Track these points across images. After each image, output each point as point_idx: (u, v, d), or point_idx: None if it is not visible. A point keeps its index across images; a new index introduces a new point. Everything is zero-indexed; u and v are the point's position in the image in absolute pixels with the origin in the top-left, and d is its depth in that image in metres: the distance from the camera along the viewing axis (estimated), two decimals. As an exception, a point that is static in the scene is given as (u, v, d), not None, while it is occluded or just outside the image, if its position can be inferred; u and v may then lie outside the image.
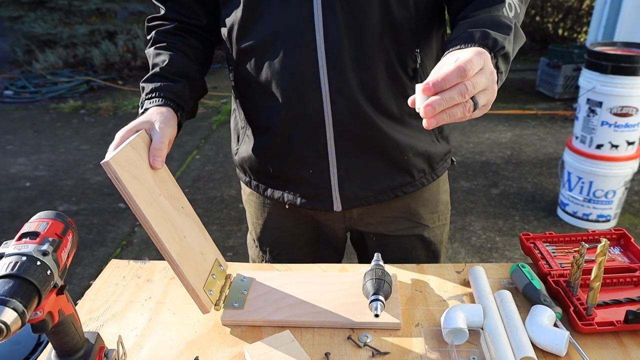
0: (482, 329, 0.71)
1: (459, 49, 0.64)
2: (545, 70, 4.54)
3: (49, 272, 0.52)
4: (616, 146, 2.30)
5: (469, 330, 0.69)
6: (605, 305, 0.75)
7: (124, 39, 6.03)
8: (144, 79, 0.85)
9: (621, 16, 3.97)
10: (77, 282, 2.21)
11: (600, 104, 2.27)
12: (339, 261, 1.06)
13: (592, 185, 2.40)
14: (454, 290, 0.82)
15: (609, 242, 0.71)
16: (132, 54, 6.00)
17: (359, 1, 0.75)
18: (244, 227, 2.59)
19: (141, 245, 2.48)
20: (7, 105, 4.77)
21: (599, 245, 0.68)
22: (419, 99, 0.59)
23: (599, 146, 2.32)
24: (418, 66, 0.83)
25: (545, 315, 0.70)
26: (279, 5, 0.77)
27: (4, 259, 0.51)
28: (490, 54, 0.63)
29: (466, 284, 0.83)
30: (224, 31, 0.87)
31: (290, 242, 1.02)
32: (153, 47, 0.90)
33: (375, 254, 0.83)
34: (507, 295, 0.76)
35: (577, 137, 2.42)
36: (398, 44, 0.80)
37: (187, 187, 3.00)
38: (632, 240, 0.88)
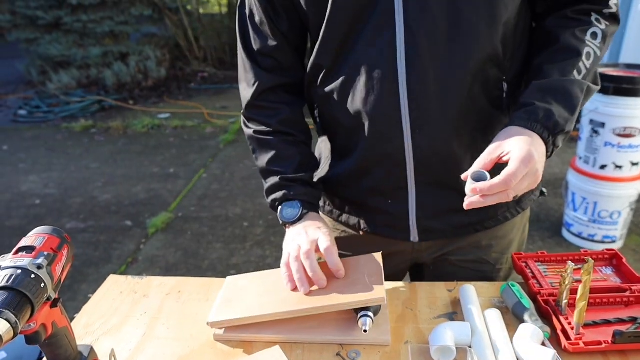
0: (469, 347, 0.71)
1: (519, 128, 0.71)
2: (552, 91, 4.55)
3: (42, 285, 0.54)
4: (620, 167, 2.29)
5: (456, 348, 0.70)
6: (594, 325, 0.75)
7: (136, 60, 6.16)
8: (286, 177, 0.86)
9: (626, 37, 3.99)
10: (82, 298, 2.23)
11: (603, 124, 2.27)
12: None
13: (596, 205, 2.39)
14: (445, 308, 0.82)
15: (593, 262, 0.72)
16: (144, 74, 6.13)
17: (445, 47, 0.75)
18: (248, 245, 2.61)
19: (146, 263, 2.50)
20: (21, 125, 4.87)
21: (584, 266, 0.69)
22: (467, 187, 0.69)
23: (602, 167, 2.32)
24: (504, 95, 0.82)
25: (532, 333, 0.71)
26: (364, 48, 0.77)
27: (0, 271, 0.53)
28: (548, 137, 0.71)
29: (457, 302, 0.84)
30: (308, 75, 0.87)
31: None
32: (276, 138, 0.89)
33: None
34: (496, 313, 0.77)
35: (580, 158, 2.43)
36: (484, 78, 0.78)
37: (193, 206, 3.02)
38: (624, 260, 0.88)
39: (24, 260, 0.54)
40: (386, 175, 0.86)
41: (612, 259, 0.91)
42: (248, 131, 0.91)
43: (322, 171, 0.96)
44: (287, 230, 0.87)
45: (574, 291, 0.76)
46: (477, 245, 0.94)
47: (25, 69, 6.49)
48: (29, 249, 0.56)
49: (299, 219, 0.85)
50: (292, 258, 0.80)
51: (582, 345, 0.69)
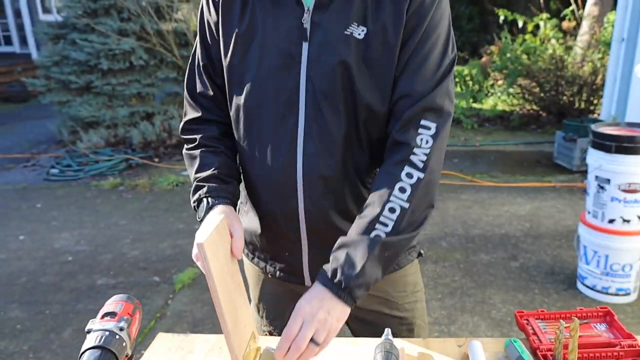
0: (476, 397, 0.82)
1: (314, 287, 0.87)
2: (562, 144, 4.68)
3: (124, 344, 0.68)
4: (628, 221, 2.38)
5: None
6: (588, 377, 0.85)
7: (161, 119, 6.48)
8: (200, 177, 1.01)
9: (630, 96, 4.15)
10: (114, 353, 2.34)
11: (608, 180, 2.38)
12: None
13: (608, 258, 2.46)
14: (455, 363, 0.93)
15: (579, 321, 0.83)
16: (168, 133, 6.43)
17: (331, 141, 0.94)
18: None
19: (174, 318, 2.61)
20: (53, 183, 5.13)
21: (571, 325, 0.81)
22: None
23: (611, 221, 2.41)
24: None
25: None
26: (269, 127, 0.96)
27: (92, 333, 0.67)
28: (338, 290, 0.85)
29: (466, 357, 0.94)
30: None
31: (281, 308, 1.14)
32: (200, 150, 1.05)
33: (386, 329, 0.96)
34: (500, 367, 0.88)
35: (589, 212, 2.52)
36: (359, 168, 0.99)
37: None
38: (616, 317, 0.99)
39: (110, 324, 0.68)
40: (285, 230, 1.03)
41: (605, 316, 1.01)
42: (184, 151, 1.08)
43: (240, 216, 1.10)
44: None
45: (568, 346, 0.86)
46: (376, 288, 1.00)
47: (56, 129, 6.86)
48: (112, 314, 0.70)
49: (204, 215, 0.96)
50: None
51: (575, 395, 0.80)
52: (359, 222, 0.89)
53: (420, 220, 0.90)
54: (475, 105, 7.21)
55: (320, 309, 0.84)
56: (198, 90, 1.06)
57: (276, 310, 1.16)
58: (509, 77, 6.46)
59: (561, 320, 0.84)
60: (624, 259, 2.43)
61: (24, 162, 5.94)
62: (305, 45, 0.91)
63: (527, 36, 6.69)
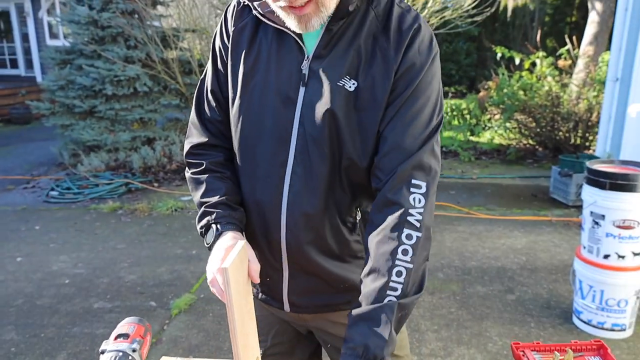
0: None
1: None
2: (558, 178, 4.75)
3: (137, 363, 0.71)
4: (623, 257, 2.42)
5: None
6: (582, 408, 0.88)
7: (162, 145, 6.55)
8: (208, 203, 1.04)
9: (624, 136, 4.24)
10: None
11: (603, 216, 2.43)
12: (314, 350, 1.28)
13: (603, 294, 2.48)
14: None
15: (573, 353, 0.86)
16: (168, 158, 6.49)
17: (315, 181, 1.00)
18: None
19: (169, 344, 2.61)
20: (52, 205, 5.15)
21: (565, 356, 0.83)
22: None
23: (606, 256, 2.45)
24: (357, 221, 1.07)
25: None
26: (263, 158, 1.02)
27: (106, 353, 0.70)
28: None
29: (463, 386, 0.97)
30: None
31: (265, 329, 1.20)
32: (207, 175, 1.09)
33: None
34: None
35: (585, 247, 2.56)
36: (339, 208, 1.03)
37: (215, 287, 3.16)
38: (609, 350, 1.01)
39: (123, 345, 0.71)
40: (268, 258, 1.07)
41: (599, 349, 1.04)
42: (187, 174, 1.12)
43: None
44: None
45: (562, 378, 0.89)
46: (343, 320, 1.03)
47: (57, 152, 6.92)
48: (125, 336, 0.73)
49: (214, 241, 1.00)
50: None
51: None
52: (369, 291, 0.90)
53: (421, 275, 0.93)
54: (472, 138, 7.32)
55: None
56: (206, 116, 1.11)
57: (261, 330, 1.18)
58: (506, 111, 6.59)
59: (556, 352, 0.87)
60: (619, 295, 2.45)
61: (24, 183, 5.97)
62: (302, 90, 0.98)
63: (524, 73, 6.85)
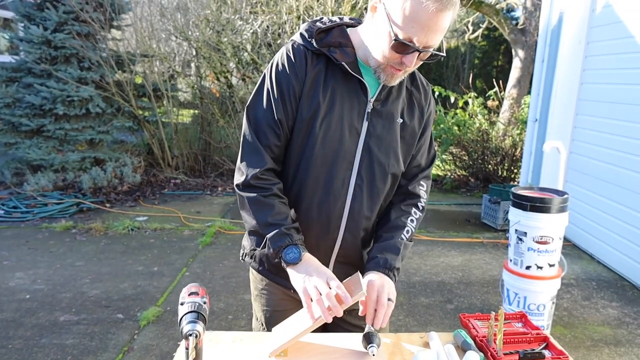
0: (437, 365, 1.16)
1: (374, 273, 1.30)
2: (488, 205, 5.32)
3: (207, 312, 0.97)
4: (541, 267, 2.88)
5: (429, 365, 1.15)
6: (510, 354, 1.23)
7: (113, 166, 6.58)
8: (286, 225, 1.25)
9: (543, 167, 4.88)
10: (86, 382, 2.44)
11: (525, 233, 2.89)
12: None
13: (526, 299, 2.93)
14: (420, 348, 1.28)
15: (503, 309, 1.21)
16: (119, 179, 6.52)
17: (375, 191, 1.36)
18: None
19: (141, 351, 2.75)
20: (0, 224, 5.05)
21: (499, 311, 1.18)
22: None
23: (527, 267, 2.90)
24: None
25: (474, 357, 1.17)
26: (332, 174, 1.31)
27: (185, 304, 0.96)
28: (389, 272, 1.32)
29: (427, 345, 1.29)
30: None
31: (283, 319, 1.39)
32: (276, 200, 1.28)
33: (367, 325, 1.28)
34: (452, 347, 1.23)
35: (511, 260, 3.01)
36: (380, 211, 1.44)
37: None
38: (528, 317, 1.38)
39: (197, 298, 0.97)
40: (319, 251, 1.33)
41: (521, 318, 1.41)
42: (250, 195, 1.27)
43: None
44: (289, 269, 1.24)
45: (496, 334, 1.24)
46: None
47: (-1, 170, 6.73)
48: (196, 293, 0.99)
49: (300, 259, 1.23)
50: (315, 301, 1.16)
51: (502, 361, 1.16)
52: (386, 236, 1.37)
53: (413, 235, 1.43)
54: (412, 168, 7.87)
55: (384, 283, 1.25)
56: (267, 141, 1.27)
57: (281, 321, 1.40)
58: (443, 145, 7.23)
59: (492, 312, 1.22)
60: (538, 300, 2.90)
61: (-33, 201, 5.78)
62: (365, 123, 1.31)
63: (458, 111, 7.56)
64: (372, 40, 1.23)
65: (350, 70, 1.26)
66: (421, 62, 1.21)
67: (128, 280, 3.70)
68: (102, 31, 6.53)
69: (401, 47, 1.15)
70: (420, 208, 1.45)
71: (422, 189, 1.45)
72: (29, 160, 6.58)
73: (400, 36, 1.13)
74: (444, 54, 1.21)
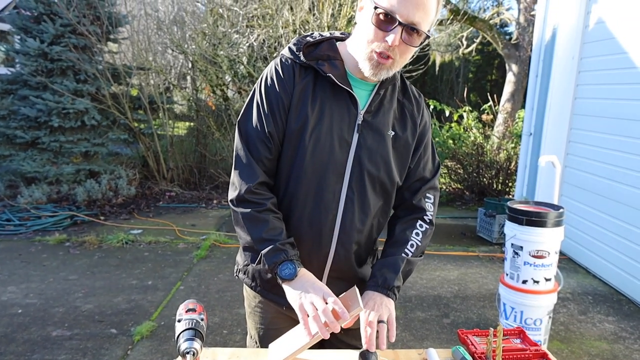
0: (435, 382, 1.15)
1: (372, 293, 1.31)
2: (483, 219, 5.32)
3: (204, 329, 0.96)
4: (537, 282, 2.88)
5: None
6: (509, 371, 1.22)
7: (108, 179, 6.55)
8: (281, 241, 1.24)
9: (538, 179, 4.90)
10: (78, 399, 2.40)
11: (521, 247, 2.89)
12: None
13: (522, 314, 2.92)
14: (417, 364, 1.27)
15: (502, 326, 1.20)
16: (114, 192, 6.49)
17: (367, 203, 1.34)
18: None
19: (135, 367, 2.72)
20: (-8, 237, 5.01)
21: (497, 328, 1.18)
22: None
23: (524, 281, 2.90)
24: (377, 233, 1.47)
25: (472, 374, 1.16)
26: (324, 188, 1.30)
27: (182, 321, 0.95)
28: (387, 291, 1.31)
29: (425, 361, 1.28)
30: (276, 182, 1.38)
31: (277, 337, 1.37)
32: (270, 215, 1.27)
33: (364, 343, 1.27)
34: (450, 364, 1.22)
35: (507, 274, 3.00)
36: (379, 226, 1.43)
37: (174, 315, 3.29)
38: (527, 334, 1.38)
39: (194, 315, 0.96)
40: (311, 266, 1.31)
41: (519, 334, 1.40)
42: (244, 211, 1.26)
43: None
44: (285, 285, 1.23)
45: (495, 351, 1.23)
46: None
47: (-8, 183, 6.68)
48: (193, 310, 0.98)
49: (296, 275, 1.23)
50: (311, 317, 1.16)
51: (501, 379, 1.15)
52: (389, 252, 1.38)
53: (423, 249, 1.42)
54: (407, 181, 7.89)
55: (382, 303, 1.27)
56: (258, 154, 1.28)
57: (274, 339, 1.38)
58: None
59: (490, 328, 1.21)
60: (535, 314, 2.90)
61: (-41, 214, 5.73)
62: (356, 135, 1.31)
63: (453, 124, 7.61)
64: (358, 33, 1.25)
65: (339, 82, 1.27)
66: (407, 49, 1.20)
67: (122, 294, 3.66)
68: (99, 44, 6.55)
69: (384, 21, 1.15)
70: (427, 221, 1.43)
71: (429, 201, 1.44)
72: (23, 173, 6.54)
73: (383, 4, 1.14)
74: (429, 35, 1.20)
